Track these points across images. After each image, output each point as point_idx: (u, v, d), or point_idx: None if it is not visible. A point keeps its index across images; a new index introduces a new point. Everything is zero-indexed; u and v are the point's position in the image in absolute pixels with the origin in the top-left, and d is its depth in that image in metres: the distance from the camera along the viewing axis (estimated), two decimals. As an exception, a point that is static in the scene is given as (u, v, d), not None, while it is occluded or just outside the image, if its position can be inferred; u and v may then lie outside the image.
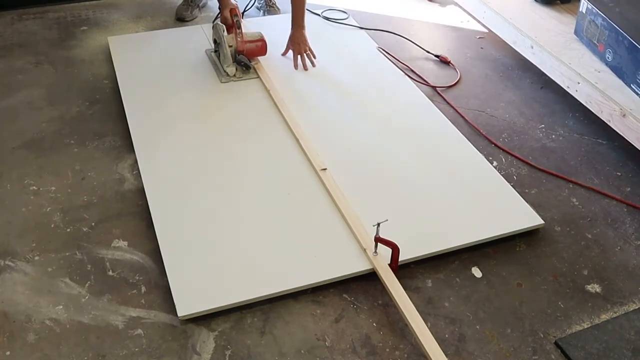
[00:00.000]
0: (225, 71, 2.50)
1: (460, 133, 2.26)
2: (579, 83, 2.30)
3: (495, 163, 2.18)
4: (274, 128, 2.25)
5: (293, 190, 1.98)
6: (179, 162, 2.09)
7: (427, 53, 2.80)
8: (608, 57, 2.32)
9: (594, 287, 1.76)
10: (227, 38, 2.49)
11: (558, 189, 2.09)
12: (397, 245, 1.69)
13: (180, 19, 3.03)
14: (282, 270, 1.72)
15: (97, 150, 2.19)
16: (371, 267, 1.73)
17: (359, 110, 2.37)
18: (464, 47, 2.91)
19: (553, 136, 2.34)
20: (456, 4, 3.17)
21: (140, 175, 2.04)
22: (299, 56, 2.60)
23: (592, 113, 2.27)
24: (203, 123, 2.27)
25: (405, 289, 1.65)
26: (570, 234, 1.93)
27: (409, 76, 2.61)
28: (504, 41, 2.75)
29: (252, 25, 2.82)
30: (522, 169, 2.17)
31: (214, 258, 1.75)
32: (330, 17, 2.97)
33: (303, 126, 2.23)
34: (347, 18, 2.97)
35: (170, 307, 1.63)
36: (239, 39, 2.50)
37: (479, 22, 3.00)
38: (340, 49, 2.76)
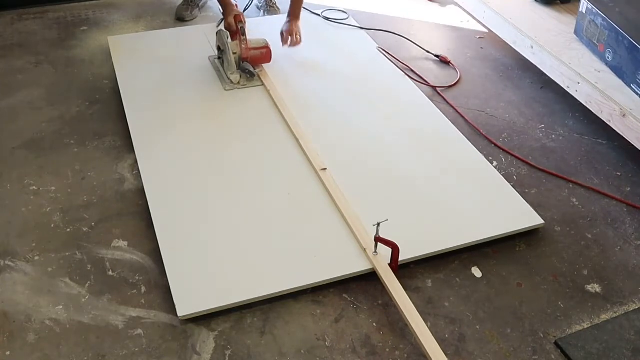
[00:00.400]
0: (229, 79, 2.47)
1: (460, 133, 2.26)
2: (579, 83, 2.30)
3: (495, 163, 2.18)
4: (275, 128, 2.25)
5: (293, 190, 1.98)
6: (179, 162, 2.09)
7: (427, 53, 2.80)
8: (608, 57, 2.32)
9: (594, 287, 1.76)
10: (232, 45, 2.45)
11: (558, 189, 2.09)
12: (397, 245, 1.69)
13: (180, 19, 3.03)
14: (282, 270, 1.72)
15: (97, 150, 2.19)
16: (371, 267, 1.73)
17: (359, 110, 2.37)
18: (464, 47, 2.91)
19: (553, 136, 2.34)
20: (456, 4, 3.17)
21: (140, 175, 2.04)
22: (288, 37, 2.63)
23: (592, 113, 2.27)
24: (204, 125, 2.27)
25: (405, 289, 1.65)
26: (570, 234, 1.93)
27: (409, 76, 2.61)
28: (504, 41, 2.75)
29: (252, 25, 2.81)
30: (522, 169, 2.17)
31: (214, 258, 1.75)
32: (330, 17, 2.97)
33: (303, 126, 2.23)
34: (347, 18, 2.97)
35: (170, 307, 1.63)
36: (243, 46, 2.47)
37: (479, 22, 3.00)
38: (340, 49, 2.76)
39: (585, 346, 1.58)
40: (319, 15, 2.98)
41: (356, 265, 1.74)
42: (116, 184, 2.05)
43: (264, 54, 2.53)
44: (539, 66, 2.53)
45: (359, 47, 2.78)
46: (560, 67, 2.39)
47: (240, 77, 2.48)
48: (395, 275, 1.69)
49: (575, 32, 2.52)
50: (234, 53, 2.46)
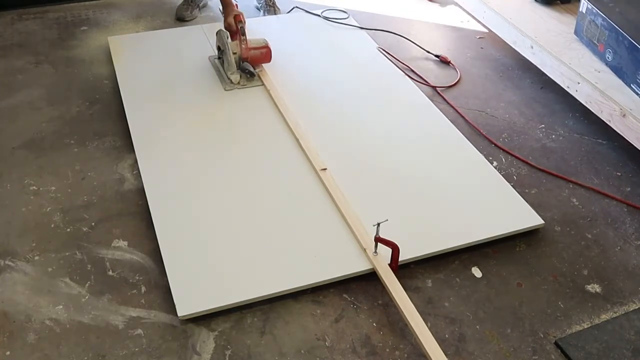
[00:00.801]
0: (229, 78, 2.47)
1: (460, 133, 2.26)
2: (579, 83, 2.30)
3: (495, 163, 2.18)
4: (275, 128, 2.25)
5: (293, 190, 1.98)
6: (179, 162, 2.09)
7: (427, 53, 2.80)
8: (608, 57, 2.32)
9: (594, 287, 1.76)
10: (232, 45, 2.45)
11: (558, 189, 2.09)
12: (397, 245, 1.69)
13: (180, 19, 3.03)
14: (282, 270, 1.72)
15: (97, 150, 2.19)
16: (371, 267, 1.73)
17: (359, 110, 2.37)
18: (464, 47, 2.91)
19: (553, 136, 2.34)
20: (456, 4, 3.17)
21: (140, 175, 2.04)
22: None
23: (592, 113, 2.27)
24: (204, 126, 2.27)
25: (405, 289, 1.65)
26: (570, 234, 1.93)
27: (409, 76, 2.61)
28: (504, 41, 2.75)
29: (252, 25, 2.81)
30: (522, 169, 2.17)
31: (214, 258, 1.75)
32: (331, 17, 2.97)
33: (303, 126, 2.23)
34: (347, 18, 2.97)
35: (170, 307, 1.63)
36: (243, 46, 2.46)
37: (479, 22, 3.00)
38: (341, 49, 2.75)
39: (585, 346, 1.58)
40: (319, 15, 2.98)
41: (356, 265, 1.74)
42: (116, 184, 2.05)
43: (264, 54, 2.52)
44: (539, 66, 2.53)
45: (359, 47, 2.78)
46: (560, 67, 2.39)
47: (240, 77, 2.47)
48: (395, 275, 1.69)
49: (575, 32, 2.52)
50: (234, 53, 2.45)
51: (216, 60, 2.61)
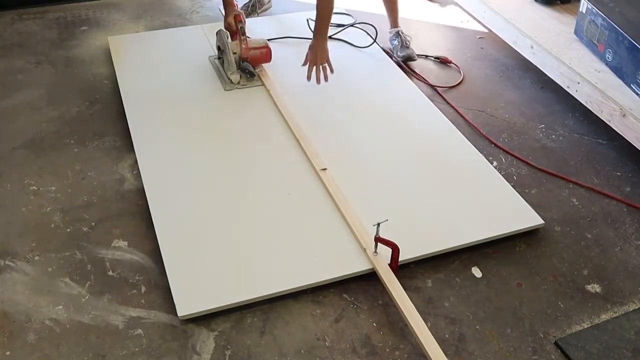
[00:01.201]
0: (229, 78, 2.46)
1: (460, 133, 2.26)
2: (579, 83, 2.30)
3: (495, 163, 2.18)
4: (275, 129, 2.25)
5: (293, 190, 1.98)
6: (179, 162, 2.09)
7: (427, 54, 2.80)
8: (608, 57, 2.32)
9: (594, 287, 1.76)
10: (231, 45, 2.45)
11: (558, 189, 2.09)
12: (397, 245, 1.69)
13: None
14: (282, 270, 1.72)
15: (97, 150, 2.19)
16: (371, 267, 1.73)
17: (359, 110, 2.37)
18: (464, 47, 2.91)
19: (553, 136, 2.34)
20: (456, 4, 3.17)
21: (140, 175, 2.04)
22: (313, 68, 2.39)
23: (592, 113, 2.27)
24: (204, 126, 2.27)
25: (405, 289, 1.65)
26: (570, 234, 1.93)
27: (409, 76, 2.61)
28: (504, 41, 2.75)
29: (250, 24, 2.81)
30: (522, 169, 2.17)
31: (214, 258, 1.75)
32: (334, 20, 2.91)
33: (303, 126, 2.23)
34: (355, 22, 2.92)
35: (170, 307, 1.63)
36: (243, 46, 2.46)
37: (479, 22, 3.00)
38: (341, 49, 2.75)
39: (585, 346, 1.58)
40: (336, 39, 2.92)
41: (356, 265, 1.74)
42: (116, 184, 2.05)
43: (264, 54, 2.52)
44: (539, 66, 2.53)
45: (360, 47, 2.77)
46: (560, 67, 2.39)
47: (240, 77, 2.47)
48: (395, 275, 1.69)
49: (575, 32, 2.52)
50: (234, 53, 2.45)
51: (216, 60, 2.61)
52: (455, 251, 1.82)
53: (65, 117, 2.35)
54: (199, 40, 2.78)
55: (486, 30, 2.96)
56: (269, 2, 3.11)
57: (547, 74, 2.49)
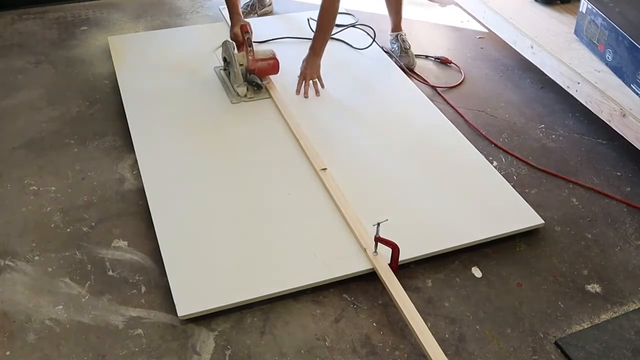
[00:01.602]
0: (235, 91, 2.38)
1: (460, 133, 2.26)
2: (579, 83, 2.30)
3: (495, 163, 2.18)
4: (280, 139, 2.22)
5: (293, 190, 1.98)
6: (179, 162, 2.09)
7: (427, 54, 2.80)
8: (608, 57, 2.32)
9: (594, 287, 1.76)
10: (238, 56, 2.36)
11: (558, 189, 2.09)
12: (397, 245, 1.69)
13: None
14: (282, 270, 1.72)
15: (97, 150, 2.19)
16: (371, 267, 1.73)
17: (359, 110, 2.37)
18: (464, 47, 2.91)
19: (553, 136, 2.34)
20: (456, 4, 3.17)
21: (140, 175, 2.04)
22: (303, 82, 2.43)
23: (592, 113, 2.27)
24: (208, 133, 2.24)
25: (405, 289, 1.65)
26: (570, 234, 1.93)
27: (409, 76, 2.61)
28: (504, 41, 2.75)
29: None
30: (522, 169, 2.17)
31: (214, 258, 1.75)
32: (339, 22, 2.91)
33: (304, 126, 2.23)
34: (356, 22, 2.92)
35: (170, 307, 1.63)
36: (250, 57, 2.36)
37: (479, 22, 3.00)
38: (341, 48, 2.75)
39: (585, 346, 1.58)
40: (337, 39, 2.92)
41: (356, 265, 1.74)
42: (116, 184, 2.05)
43: (272, 65, 2.42)
44: (539, 66, 2.53)
45: (360, 47, 2.77)
46: (560, 67, 2.39)
47: (247, 89, 2.38)
48: (395, 275, 1.69)
49: (575, 32, 2.52)
50: (241, 65, 2.36)
51: (222, 72, 2.52)
52: (455, 251, 1.82)
53: (65, 117, 2.35)
54: (199, 40, 2.78)
55: (486, 30, 2.97)
56: (270, 4, 3.11)
57: (547, 74, 2.49)
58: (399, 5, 2.76)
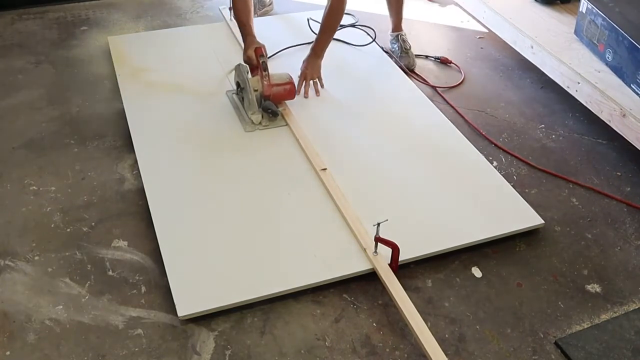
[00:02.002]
0: (250, 118, 2.23)
1: (460, 133, 2.26)
2: (579, 83, 2.30)
3: (495, 163, 2.18)
4: (279, 137, 2.24)
5: (293, 190, 1.98)
6: (179, 162, 2.09)
7: (427, 54, 2.80)
8: (608, 57, 2.32)
9: (594, 287, 1.76)
10: (252, 81, 2.21)
11: (558, 189, 2.09)
12: (397, 245, 1.69)
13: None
14: (282, 270, 1.72)
15: (97, 150, 2.19)
16: (371, 267, 1.73)
17: (359, 110, 2.37)
18: (464, 47, 2.91)
19: (553, 136, 2.34)
20: (456, 4, 3.17)
21: (140, 175, 2.04)
22: (303, 82, 2.39)
23: (592, 113, 2.27)
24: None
25: (405, 289, 1.65)
26: (570, 234, 1.93)
27: (409, 76, 2.61)
28: (504, 41, 2.75)
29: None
30: (522, 169, 2.17)
31: (214, 258, 1.75)
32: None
33: (304, 126, 2.23)
34: (357, 22, 2.92)
35: (170, 307, 1.63)
36: (265, 82, 2.21)
37: (479, 22, 3.00)
38: (342, 49, 2.75)
39: (585, 346, 1.58)
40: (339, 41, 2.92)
41: (356, 265, 1.74)
42: (116, 184, 2.05)
43: (288, 90, 2.28)
44: (539, 66, 2.53)
45: (361, 47, 2.77)
46: (560, 67, 2.39)
47: (262, 116, 2.24)
48: (395, 275, 1.69)
49: (575, 32, 2.52)
50: (255, 90, 2.21)
51: (234, 96, 2.37)
52: (455, 251, 1.82)
53: (65, 117, 2.35)
54: (199, 40, 2.78)
55: (486, 30, 2.96)
56: (270, 4, 3.10)
57: (547, 74, 2.49)
58: (399, 6, 2.76)
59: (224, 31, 2.86)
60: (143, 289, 1.70)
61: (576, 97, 2.34)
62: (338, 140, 2.21)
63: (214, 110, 2.35)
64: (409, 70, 2.67)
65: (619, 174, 2.17)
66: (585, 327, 1.64)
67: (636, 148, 2.10)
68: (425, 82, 2.62)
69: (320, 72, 2.44)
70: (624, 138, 2.14)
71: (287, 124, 2.25)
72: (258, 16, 3.04)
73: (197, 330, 1.60)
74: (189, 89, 2.45)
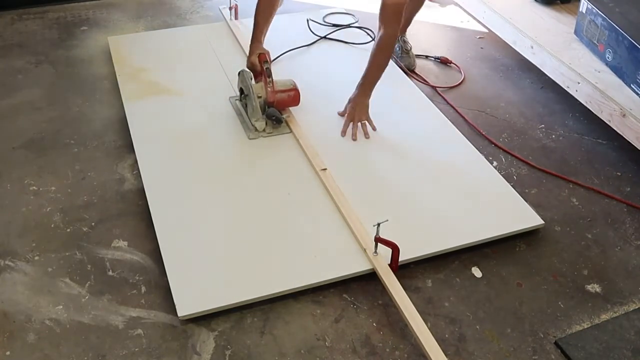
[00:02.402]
0: (253, 125, 2.20)
1: (460, 133, 2.26)
2: (579, 83, 2.30)
3: (495, 163, 2.18)
4: (282, 141, 2.24)
5: (293, 190, 1.98)
6: (179, 162, 2.08)
7: (427, 54, 2.80)
8: (608, 57, 2.32)
9: (594, 287, 1.76)
10: (256, 87, 2.19)
11: (558, 189, 2.09)
12: (397, 245, 1.70)
13: None
14: (282, 270, 1.72)
15: (97, 150, 2.19)
16: (371, 267, 1.73)
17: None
18: (464, 47, 2.91)
19: (553, 136, 2.34)
20: (456, 4, 3.17)
21: (140, 175, 2.04)
22: (350, 123, 2.24)
23: (592, 113, 2.27)
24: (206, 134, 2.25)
25: (405, 289, 1.65)
26: (570, 234, 1.93)
27: (409, 76, 2.61)
28: (504, 41, 2.75)
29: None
30: (522, 169, 2.17)
31: (214, 258, 1.75)
32: (337, 21, 2.91)
33: (304, 126, 2.23)
34: (356, 22, 2.92)
35: (170, 307, 1.63)
36: (269, 89, 2.19)
37: (479, 22, 3.00)
38: (342, 49, 2.75)
39: (585, 346, 1.58)
40: (322, 24, 2.94)
41: (356, 265, 1.74)
42: (116, 184, 2.05)
43: (292, 97, 2.25)
44: (539, 66, 2.53)
45: (361, 47, 2.77)
46: (560, 67, 2.39)
47: (266, 124, 2.21)
48: (395, 275, 1.69)
49: (575, 32, 2.52)
50: (259, 96, 2.19)
51: (237, 102, 2.34)
52: (455, 251, 1.82)
53: (65, 117, 2.35)
54: (199, 40, 2.77)
55: (486, 30, 2.97)
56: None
57: (547, 74, 2.49)
58: (412, 14, 2.68)
59: (224, 31, 2.86)
60: (143, 289, 1.70)
61: (576, 97, 2.34)
62: (338, 140, 2.21)
63: (214, 110, 2.34)
64: (409, 71, 2.67)
65: (619, 174, 2.17)
66: (585, 327, 1.64)
67: (636, 148, 2.10)
68: (425, 82, 2.62)
69: (368, 112, 2.25)
70: (624, 138, 2.14)
71: (291, 131, 2.23)
72: None
73: (197, 330, 1.60)
74: (189, 89, 2.45)
